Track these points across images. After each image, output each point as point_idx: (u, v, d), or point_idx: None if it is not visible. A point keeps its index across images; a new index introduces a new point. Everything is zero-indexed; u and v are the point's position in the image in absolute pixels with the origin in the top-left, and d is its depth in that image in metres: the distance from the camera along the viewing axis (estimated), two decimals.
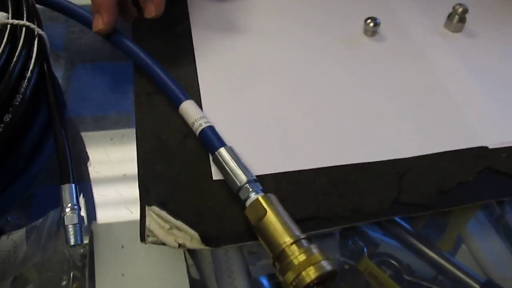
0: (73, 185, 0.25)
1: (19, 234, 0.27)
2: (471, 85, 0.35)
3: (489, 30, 0.41)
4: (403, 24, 0.40)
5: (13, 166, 0.28)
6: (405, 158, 0.30)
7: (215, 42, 0.38)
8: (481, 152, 0.31)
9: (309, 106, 0.33)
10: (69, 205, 0.24)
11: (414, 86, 0.35)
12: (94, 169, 0.31)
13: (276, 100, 0.33)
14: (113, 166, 0.32)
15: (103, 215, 0.29)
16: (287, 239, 0.24)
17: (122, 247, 0.26)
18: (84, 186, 0.30)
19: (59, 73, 0.37)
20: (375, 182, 0.29)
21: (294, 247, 0.24)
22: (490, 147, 0.31)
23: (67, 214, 0.24)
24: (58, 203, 0.26)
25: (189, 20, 0.39)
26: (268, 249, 0.25)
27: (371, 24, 0.38)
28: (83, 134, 0.34)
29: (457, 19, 0.40)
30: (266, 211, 0.25)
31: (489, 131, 0.32)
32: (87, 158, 0.32)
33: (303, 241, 0.24)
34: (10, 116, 0.25)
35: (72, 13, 0.36)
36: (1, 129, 0.25)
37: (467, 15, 0.40)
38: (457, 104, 0.34)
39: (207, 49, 0.37)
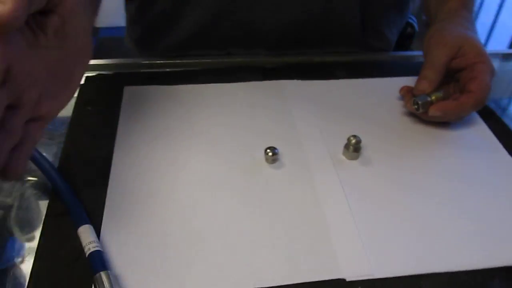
0: None
1: None
2: (347, 216, 0.41)
3: (382, 159, 0.47)
4: (304, 152, 0.47)
5: None
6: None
7: (130, 173, 0.44)
8: (337, 283, 0.36)
9: (198, 236, 0.39)
10: None
11: (297, 214, 0.41)
12: None
13: (168, 229, 0.39)
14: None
15: None
16: None
17: None
18: None
19: None
20: None
21: None
22: (347, 279, 0.36)
23: None
24: None
25: (114, 145, 0.47)
26: None
27: (270, 154, 0.45)
28: None
29: (352, 149, 0.46)
30: None
31: (350, 264, 0.37)
32: None
33: None
34: None
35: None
36: None
37: (362, 144, 0.46)
38: (329, 235, 0.39)
39: (121, 178, 0.43)
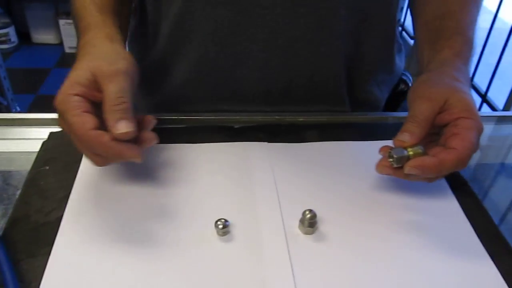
0: None
1: None
2: None
3: (338, 235, 0.46)
4: (259, 224, 0.46)
5: None
6: None
7: (75, 242, 0.44)
8: None
9: None
10: None
11: None
12: None
13: None
14: None
15: None
16: None
17: None
18: None
19: None
20: None
21: None
22: None
23: None
24: None
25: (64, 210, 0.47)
26: None
27: (220, 226, 0.44)
28: None
29: (307, 224, 0.45)
30: None
31: None
32: None
33: None
34: None
35: None
36: None
37: (319, 218, 0.45)
38: None
39: (65, 248, 0.43)
